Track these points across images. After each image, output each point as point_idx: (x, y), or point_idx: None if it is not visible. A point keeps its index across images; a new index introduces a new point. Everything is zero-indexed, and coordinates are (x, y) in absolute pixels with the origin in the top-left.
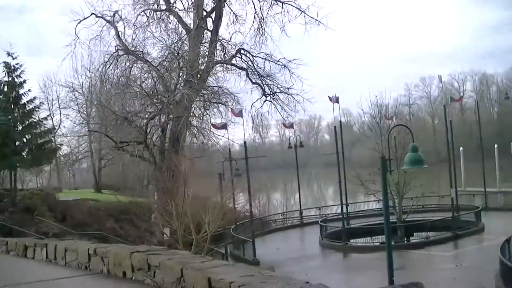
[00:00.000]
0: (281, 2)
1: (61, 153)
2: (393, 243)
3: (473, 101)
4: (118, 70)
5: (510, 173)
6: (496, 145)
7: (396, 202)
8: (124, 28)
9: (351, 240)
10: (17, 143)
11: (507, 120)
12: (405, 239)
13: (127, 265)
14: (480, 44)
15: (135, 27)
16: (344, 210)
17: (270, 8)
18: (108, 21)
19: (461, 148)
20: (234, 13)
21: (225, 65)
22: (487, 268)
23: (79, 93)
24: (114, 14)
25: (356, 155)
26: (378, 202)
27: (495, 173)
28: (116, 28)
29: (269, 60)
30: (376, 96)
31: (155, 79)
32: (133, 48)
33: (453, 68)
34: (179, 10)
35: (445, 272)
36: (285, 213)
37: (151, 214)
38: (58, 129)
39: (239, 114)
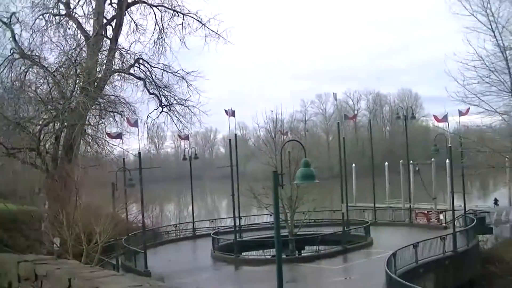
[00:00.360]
0: (182, 14)
1: None
2: (284, 256)
3: (367, 119)
4: (12, 74)
5: (398, 190)
6: (386, 163)
7: (289, 216)
8: (21, 31)
9: (243, 253)
10: None
11: (398, 139)
12: (297, 252)
13: (14, 275)
14: (375, 65)
15: (33, 31)
16: (237, 223)
17: (171, 19)
18: (4, 23)
19: (353, 165)
20: (134, 22)
21: (123, 74)
22: (374, 281)
23: None
24: (11, 16)
25: (251, 169)
26: (271, 215)
27: (385, 189)
28: (12, 30)
29: (167, 71)
30: (272, 111)
31: (50, 85)
32: (29, 52)
33: (348, 86)
34: (79, 16)
35: (335, 285)
36: (178, 225)
37: (41, 223)
38: None
39: (135, 124)
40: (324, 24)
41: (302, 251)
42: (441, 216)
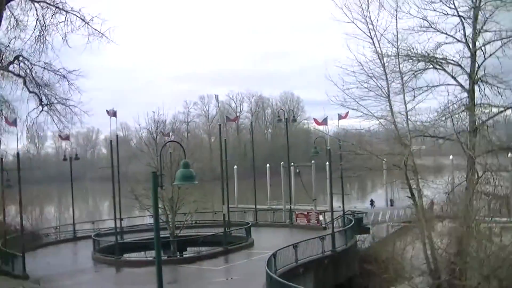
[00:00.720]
0: (65, 11)
1: None
2: (166, 257)
3: (250, 122)
4: None
5: (280, 191)
6: (268, 165)
7: (170, 218)
8: None
9: (124, 255)
10: None
11: (279, 141)
12: (178, 253)
13: None
14: (259, 68)
15: None
16: (118, 225)
17: (53, 16)
18: None
19: (235, 167)
20: (15, 18)
21: (1, 71)
22: (255, 281)
23: None
24: None
25: (133, 170)
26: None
27: (266, 191)
28: None
29: (48, 70)
30: (154, 112)
31: None
32: None
33: (231, 88)
34: None
35: (216, 286)
36: (58, 227)
37: None
38: None
39: (13, 123)
40: (209, 27)
41: (184, 253)
42: (321, 217)
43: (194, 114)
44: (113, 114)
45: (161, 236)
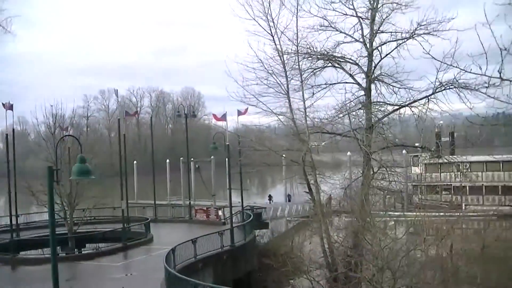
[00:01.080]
0: None
1: None
2: (64, 254)
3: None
4: None
5: (179, 187)
6: (168, 160)
7: (68, 213)
8: None
9: (21, 252)
10: None
11: (180, 137)
12: (77, 250)
13: None
14: (161, 63)
15: None
16: (14, 222)
17: None
18: None
19: (135, 162)
20: None
21: None
22: (154, 276)
23: None
24: None
25: (30, 166)
26: None
27: (166, 186)
28: None
29: None
30: (52, 105)
31: None
32: None
33: (133, 83)
34: None
35: (115, 282)
36: None
37: None
38: None
39: None
40: (111, 19)
41: (82, 249)
42: (220, 212)
43: (94, 109)
44: (9, 107)
45: (59, 232)
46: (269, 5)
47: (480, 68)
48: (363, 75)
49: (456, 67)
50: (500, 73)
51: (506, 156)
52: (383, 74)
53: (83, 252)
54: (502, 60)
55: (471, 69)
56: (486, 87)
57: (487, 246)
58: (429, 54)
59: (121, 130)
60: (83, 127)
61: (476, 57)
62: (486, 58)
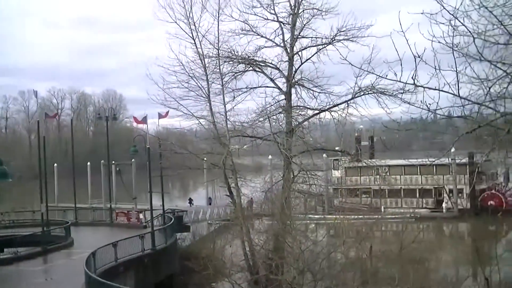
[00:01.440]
0: None
1: None
2: None
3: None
4: None
5: (100, 190)
6: (89, 163)
7: None
8: None
9: None
10: None
11: (101, 139)
12: None
13: None
14: (82, 63)
15: None
16: None
17: None
18: None
19: (55, 165)
20: None
21: None
22: (75, 280)
23: None
24: None
25: None
26: None
27: (87, 189)
28: None
29: None
30: None
31: None
32: None
33: (55, 84)
34: None
35: (35, 287)
36: None
37: None
38: None
39: None
40: (32, 16)
41: (0, 254)
42: (141, 216)
43: (14, 110)
44: None
45: None
46: (191, 8)
47: (395, 75)
48: (283, 80)
49: (373, 73)
50: (414, 80)
51: (422, 160)
52: (303, 78)
53: (0, 257)
54: (416, 67)
55: (387, 75)
56: (402, 92)
57: (405, 248)
58: (346, 60)
59: (40, 132)
60: (2, 128)
61: (393, 64)
62: (401, 64)
